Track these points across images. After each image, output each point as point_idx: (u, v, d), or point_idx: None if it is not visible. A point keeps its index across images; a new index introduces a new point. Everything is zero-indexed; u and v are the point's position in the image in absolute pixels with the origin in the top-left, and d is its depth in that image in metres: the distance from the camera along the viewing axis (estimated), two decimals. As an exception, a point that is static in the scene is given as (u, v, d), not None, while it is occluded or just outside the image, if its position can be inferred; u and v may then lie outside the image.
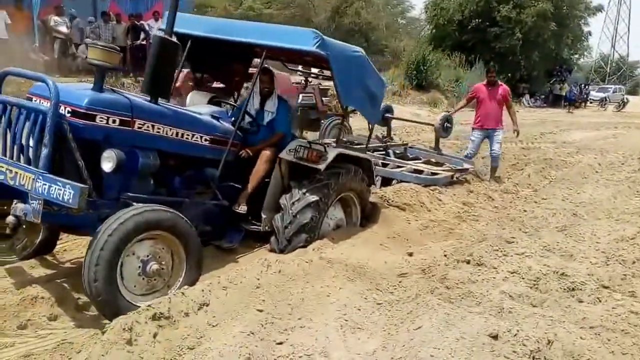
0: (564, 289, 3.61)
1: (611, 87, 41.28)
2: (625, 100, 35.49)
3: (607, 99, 36.16)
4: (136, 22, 14.18)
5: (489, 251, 4.22)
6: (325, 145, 4.72)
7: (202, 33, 4.78)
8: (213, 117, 4.47)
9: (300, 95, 11.14)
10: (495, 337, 2.79)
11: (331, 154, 4.57)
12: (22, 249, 4.04)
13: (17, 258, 4.03)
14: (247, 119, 4.82)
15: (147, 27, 13.92)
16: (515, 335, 2.81)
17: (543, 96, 35.14)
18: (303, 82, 11.30)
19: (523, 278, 3.78)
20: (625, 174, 8.40)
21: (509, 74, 31.12)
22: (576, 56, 36.45)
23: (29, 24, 12.32)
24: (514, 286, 3.60)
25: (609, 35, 59.14)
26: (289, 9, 26.54)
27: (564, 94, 32.98)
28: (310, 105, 11.52)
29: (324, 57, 4.37)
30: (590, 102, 36.10)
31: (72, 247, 4.47)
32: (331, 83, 6.38)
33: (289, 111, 5.13)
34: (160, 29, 5.15)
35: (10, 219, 3.36)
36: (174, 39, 4.01)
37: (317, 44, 4.20)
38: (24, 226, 3.48)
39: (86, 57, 3.64)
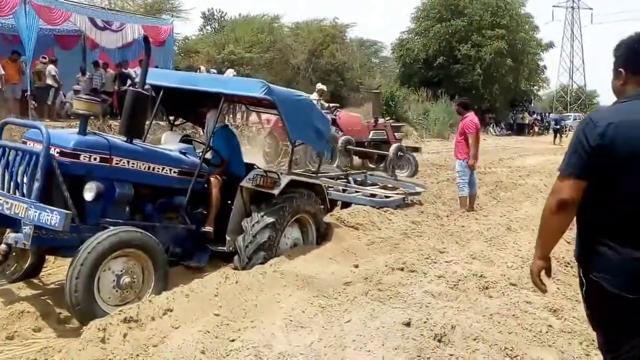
0: (479, 288, 4.24)
1: (571, 115, 43.14)
2: (583, 126, 37.68)
3: (567, 126, 38.04)
4: (123, 69, 15.17)
5: (421, 259, 4.85)
6: (279, 173, 5.36)
7: (172, 84, 5.55)
8: (181, 152, 5.11)
9: (371, 132, 12.91)
10: (408, 325, 3.36)
11: (284, 181, 5.20)
12: (11, 273, 4.55)
13: (6, 282, 4.53)
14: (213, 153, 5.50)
15: (133, 74, 14.80)
16: (425, 322, 3.40)
17: (508, 124, 36.91)
18: (374, 120, 13.36)
19: (447, 281, 4.40)
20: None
21: (475, 106, 32.74)
22: (535, 88, 39.07)
23: (22, 73, 13.06)
24: (436, 287, 4.21)
25: (566, 68, 62.59)
26: (268, 53, 27.60)
27: (526, 122, 34.86)
28: (382, 140, 12.89)
29: (271, 102, 5.12)
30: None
31: (56, 272, 4.98)
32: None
33: (225, 136, 5.72)
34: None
35: (2, 247, 3.93)
36: (149, 89, 4.72)
37: (264, 92, 4.98)
38: (14, 253, 4.06)
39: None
